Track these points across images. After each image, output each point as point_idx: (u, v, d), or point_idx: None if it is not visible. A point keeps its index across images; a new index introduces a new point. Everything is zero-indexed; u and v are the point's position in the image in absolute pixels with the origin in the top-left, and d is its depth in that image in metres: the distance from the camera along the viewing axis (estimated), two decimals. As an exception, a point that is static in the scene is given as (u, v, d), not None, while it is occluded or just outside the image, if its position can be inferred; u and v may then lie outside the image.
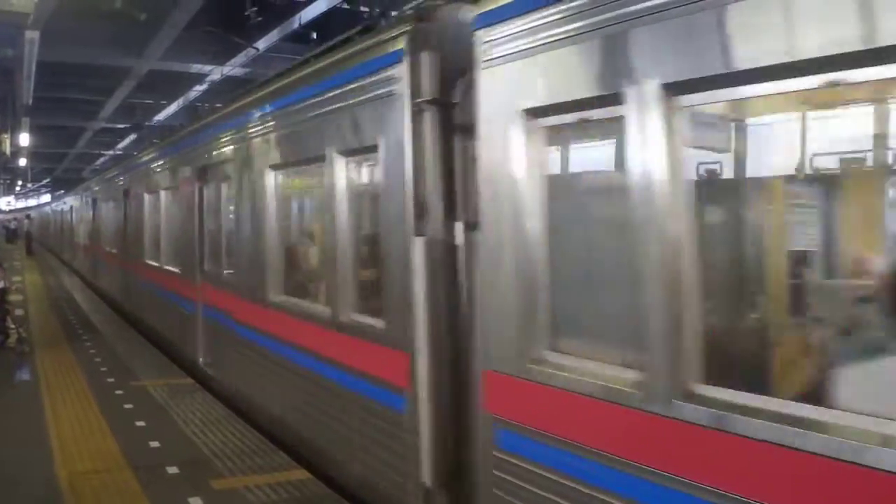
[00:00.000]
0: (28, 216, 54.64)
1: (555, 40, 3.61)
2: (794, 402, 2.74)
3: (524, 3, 3.80)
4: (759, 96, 2.88)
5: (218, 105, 8.47)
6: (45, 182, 64.35)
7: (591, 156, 4.06)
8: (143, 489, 5.72)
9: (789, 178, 3.19)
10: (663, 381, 3.09)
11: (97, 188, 21.54)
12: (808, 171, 3.10)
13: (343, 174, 5.79)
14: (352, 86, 5.52)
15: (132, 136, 34.80)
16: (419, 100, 4.65)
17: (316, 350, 6.19)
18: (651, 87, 3.09)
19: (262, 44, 18.08)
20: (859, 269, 2.95)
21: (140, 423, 7.50)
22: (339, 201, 5.82)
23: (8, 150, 28.74)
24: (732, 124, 3.31)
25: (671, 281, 3.06)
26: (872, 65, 2.45)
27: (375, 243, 5.45)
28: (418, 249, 4.66)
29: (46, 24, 14.02)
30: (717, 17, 2.86)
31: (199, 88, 24.01)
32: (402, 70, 4.75)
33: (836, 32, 2.50)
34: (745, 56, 2.80)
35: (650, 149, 3.11)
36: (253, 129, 7.71)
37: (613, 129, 3.42)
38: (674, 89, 3.05)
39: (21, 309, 15.35)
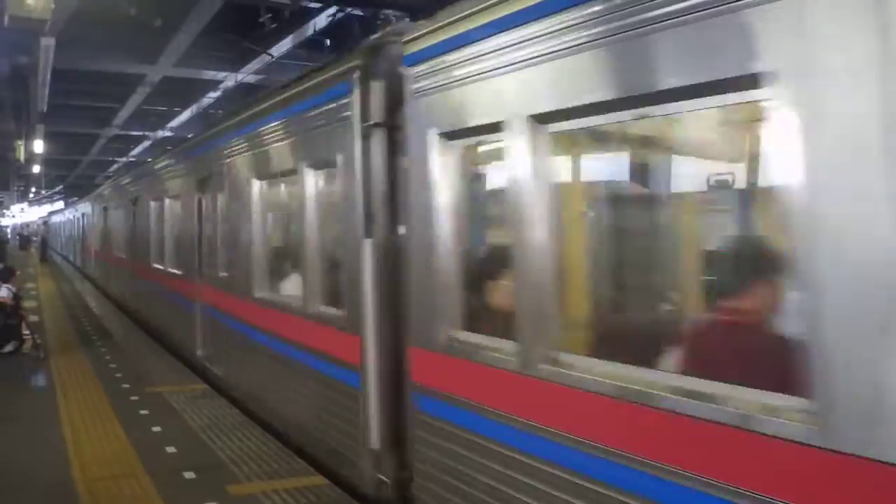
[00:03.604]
0: (45, 222, 54.99)
1: (460, 79, 4.36)
2: None
3: (437, 47, 4.59)
4: None
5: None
6: (58, 189, 64.71)
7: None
8: (159, 494, 5.71)
9: None
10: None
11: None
12: None
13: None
14: (315, 111, 6.38)
15: (145, 144, 34.93)
16: (367, 123, 5.38)
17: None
18: (521, 118, 3.81)
19: (275, 50, 18.09)
20: None
21: (156, 429, 7.49)
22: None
23: (22, 156, 28.86)
24: None
25: None
26: None
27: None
28: (367, 250, 5.46)
29: (61, 31, 14.08)
30: None
31: (212, 95, 24.05)
32: (354, 98, 5.55)
33: None
34: None
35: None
36: None
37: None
38: (539, 119, 3.75)
39: (35, 315, 15.39)
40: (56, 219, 54.44)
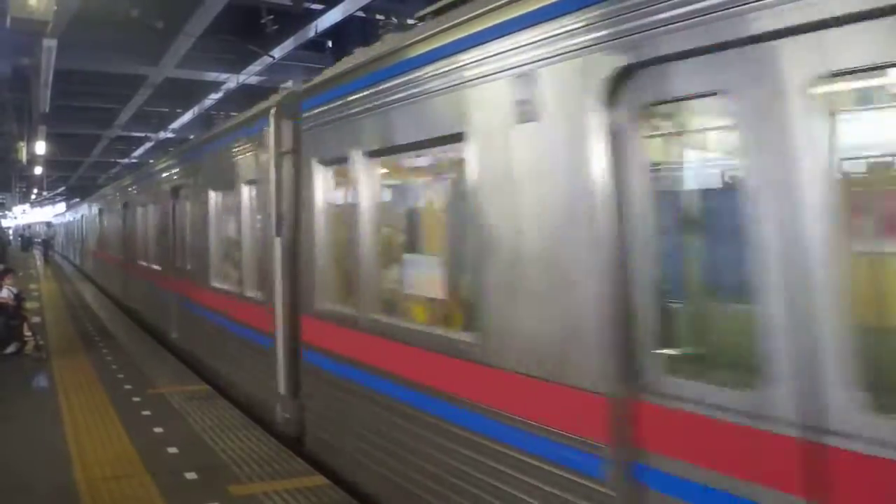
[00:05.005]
0: (49, 224, 54.60)
1: (332, 120, 6.30)
2: None
3: (320, 98, 6.56)
4: None
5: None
6: (59, 191, 64.74)
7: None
8: (161, 495, 5.72)
9: None
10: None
11: None
12: None
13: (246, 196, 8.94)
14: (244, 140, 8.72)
15: (147, 145, 34.97)
16: (280, 150, 7.35)
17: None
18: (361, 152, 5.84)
19: (277, 52, 18.10)
20: None
21: (158, 430, 7.50)
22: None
23: (24, 158, 28.87)
24: None
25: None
26: None
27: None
28: (277, 246, 7.41)
29: (63, 33, 14.10)
30: None
31: (214, 97, 24.07)
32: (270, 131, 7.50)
33: None
34: None
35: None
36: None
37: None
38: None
39: (38, 316, 15.41)
40: (68, 217, 50.96)
